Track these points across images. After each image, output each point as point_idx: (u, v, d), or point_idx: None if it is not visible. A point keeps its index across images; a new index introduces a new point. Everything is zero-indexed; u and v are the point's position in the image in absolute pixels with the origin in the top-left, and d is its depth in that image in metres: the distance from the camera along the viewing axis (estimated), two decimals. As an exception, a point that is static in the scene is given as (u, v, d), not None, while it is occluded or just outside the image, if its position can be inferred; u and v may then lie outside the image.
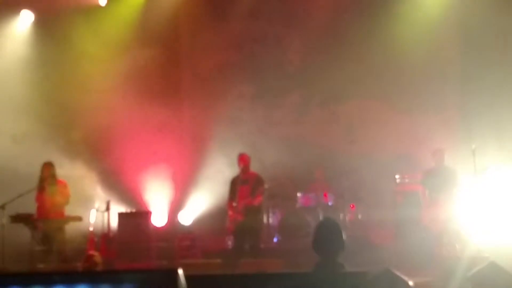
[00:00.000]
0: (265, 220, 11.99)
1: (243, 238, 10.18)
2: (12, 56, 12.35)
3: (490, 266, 4.24)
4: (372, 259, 10.42)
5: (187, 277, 3.40)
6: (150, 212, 12.50)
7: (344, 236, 4.48)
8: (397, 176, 11.60)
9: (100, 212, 11.52)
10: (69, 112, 12.40)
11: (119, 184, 12.62)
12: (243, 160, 10.24)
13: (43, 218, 10.18)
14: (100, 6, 12.79)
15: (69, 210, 10.47)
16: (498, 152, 11.23)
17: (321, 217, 11.23)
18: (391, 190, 11.52)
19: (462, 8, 12.52)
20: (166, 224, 12.85)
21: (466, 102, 12.58)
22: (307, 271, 4.31)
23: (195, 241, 11.92)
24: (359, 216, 12.11)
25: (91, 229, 10.96)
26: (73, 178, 10.73)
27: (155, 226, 12.47)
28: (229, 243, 10.65)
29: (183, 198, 12.98)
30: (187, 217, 12.97)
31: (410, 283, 4.14)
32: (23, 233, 10.16)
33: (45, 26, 12.57)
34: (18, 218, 10.17)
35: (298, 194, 12.03)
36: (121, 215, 12.12)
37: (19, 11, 12.48)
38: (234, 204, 10.14)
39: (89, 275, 3.59)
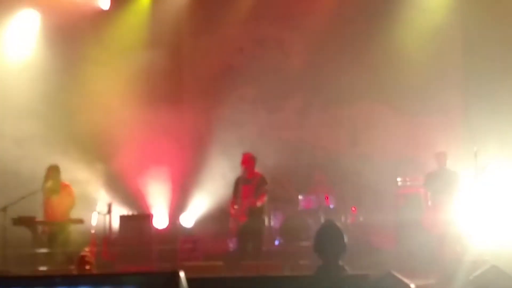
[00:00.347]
0: (266, 222, 12.00)
1: (246, 239, 10.18)
2: (16, 58, 12.36)
3: (491, 269, 4.24)
4: (374, 262, 10.42)
5: (188, 279, 3.41)
6: (152, 215, 12.50)
7: (345, 239, 4.48)
8: (399, 179, 11.60)
9: (101, 215, 11.53)
10: (72, 115, 12.41)
11: (121, 186, 12.61)
12: (245, 160, 10.24)
13: (47, 221, 10.18)
14: (104, 10, 12.81)
15: (71, 213, 10.46)
16: (500, 154, 11.21)
17: (322, 220, 11.22)
18: (393, 193, 11.52)
19: (465, 11, 12.53)
20: (167, 226, 12.85)
21: (468, 105, 12.58)
22: (309, 274, 4.32)
23: (197, 244, 11.91)
24: (361, 219, 12.10)
25: (92, 231, 10.96)
26: (75, 181, 10.71)
27: (156, 229, 12.46)
28: (231, 245, 10.65)
29: (184, 201, 12.97)
30: (188, 219, 12.96)
31: (412, 286, 4.14)
32: (25, 235, 10.16)
33: (49, 29, 12.58)
34: (20, 221, 10.17)
35: (300, 197, 12.02)
36: (122, 218, 12.12)
37: (22, 10, 12.48)
38: (236, 206, 10.14)
39: (91, 277, 3.59)
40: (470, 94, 12.55)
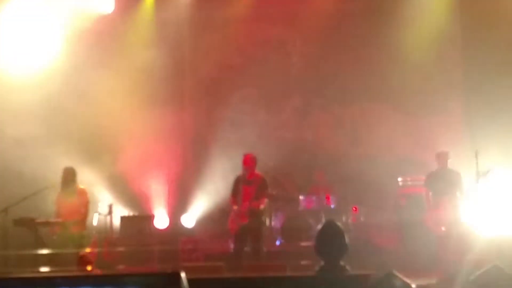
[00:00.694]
0: (267, 223, 11.99)
1: (244, 240, 10.19)
2: (19, 59, 12.35)
3: (493, 269, 4.23)
4: (375, 262, 10.41)
5: (189, 280, 3.40)
6: (153, 216, 12.51)
7: (347, 239, 4.47)
8: (399, 179, 11.59)
9: (102, 216, 11.53)
10: (73, 116, 12.40)
11: (122, 187, 12.62)
12: (247, 160, 10.23)
13: (55, 223, 10.13)
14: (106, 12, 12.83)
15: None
16: (501, 154, 11.21)
17: (323, 220, 11.21)
18: (394, 193, 11.51)
19: (465, 12, 12.53)
20: (168, 227, 12.85)
21: (469, 104, 12.58)
22: (310, 274, 4.31)
23: (198, 244, 11.90)
24: (362, 219, 12.10)
25: (93, 232, 10.95)
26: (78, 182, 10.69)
27: (157, 229, 12.47)
28: (232, 245, 10.64)
29: (185, 201, 12.97)
30: (189, 220, 12.96)
31: (413, 286, 4.13)
32: (27, 236, 10.15)
33: (53, 32, 12.58)
34: (21, 222, 10.16)
35: (301, 197, 12.02)
36: (123, 219, 12.13)
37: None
38: (235, 206, 10.13)
39: (91, 278, 3.58)
40: (471, 93, 12.54)
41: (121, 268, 10.81)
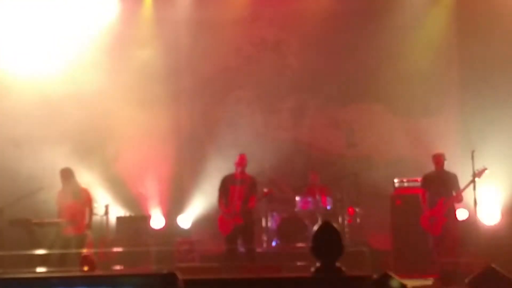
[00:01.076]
0: (263, 224, 11.99)
1: (236, 241, 10.22)
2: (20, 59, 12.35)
3: (488, 271, 4.24)
4: (371, 263, 10.42)
5: (185, 281, 3.41)
6: (149, 216, 12.51)
7: (343, 240, 4.47)
8: (396, 180, 11.60)
9: (99, 216, 11.52)
10: (69, 116, 12.37)
11: (118, 188, 12.60)
12: (241, 160, 10.26)
13: (51, 223, 10.12)
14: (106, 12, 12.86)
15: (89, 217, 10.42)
16: (497, 155, 11.23)
17: (319, 221, 11.22)
18: (390, 194, 11.52)
19: (462, 13, 12.55)
20: (164, 228, 12.83)
21: (465, 105, 12.59)
22: (306, 276, 4.31)
23: (194, 245, 11.90)
24: (358, 220, 12.10)
25: (89, 233, 10.94)
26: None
27: (153, 230, 12.46)
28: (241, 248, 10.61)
29: (181, 202, 12.96)
30: (186, 220, 12.95)
31: (409, 287, 4.14)
32: (23, 237, 10.14)
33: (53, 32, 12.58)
34: (17, 222, 10.15)
35: (297, 198, 12.02)
36: (119, 219, 12.12)
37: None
38: (223, 208, 10.16)
39: (88, 278, 3.58)
40: (467, 94, 12.55)
41: (117, 268, 10.81)
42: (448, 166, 10.36)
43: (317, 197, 11.96)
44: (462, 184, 10.10)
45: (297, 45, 13.50)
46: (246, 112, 13.44)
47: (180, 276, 3.63)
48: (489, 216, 11.57)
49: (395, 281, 4.04)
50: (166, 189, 12.97)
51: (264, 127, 13.43)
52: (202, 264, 11.35)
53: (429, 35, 12.77)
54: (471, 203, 10.13)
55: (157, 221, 12.76)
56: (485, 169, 9.96)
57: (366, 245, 11.32)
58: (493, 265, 4.27)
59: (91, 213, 10.33)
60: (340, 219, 11.90)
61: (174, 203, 12.93)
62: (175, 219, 12.91)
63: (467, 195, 10.14)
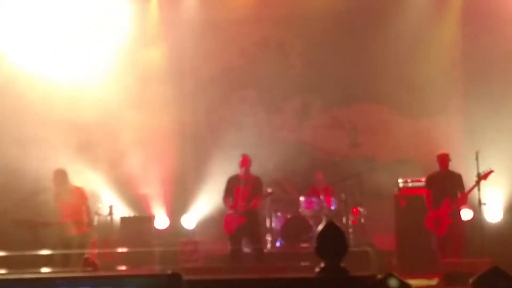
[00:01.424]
0: (267, 224, 12.00)
1: (241, 241, 10.24)
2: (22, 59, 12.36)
3: (493, 271, 4.22)
4: (376, 263, 10.41)
5: (189, 281, 3.40)
6: (153, 217, 12.52)
7: (347, 241, 4.47)
8: (400, 180, 11.58)
9: (103, 217, 11.53)
10: (72, 116, 12.39)
11: (122, 188, 12.62)
12: (244, 161, 10.28)
13: (54, 223, 10.12)
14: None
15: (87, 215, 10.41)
16: (502, 155, 11.21)
17: (324, 222, 11.21)
18: (394, 194, 11.51)
19: (466, 13, 12.54)
20: (168, 228, 12.84)
21: (469, 105, 12.56)
22: (311, 276, 4.31)
23: (198, 246, 11.91)
24: (362, 220, 12.09)
25: (94, 233, 10.95)
26: (77, 183, 10.67)
27: (157, 230, 12.47)
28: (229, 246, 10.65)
29: (185, 202, 12.97)
30: (190, 221, 12.96)
31: (413, 287, 4.13)
32: (27, 237, 10.15)
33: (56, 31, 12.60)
34: (21, 223, 10.16)
35: (301, 199, 12.02)
36: (123, 220, 12.13)
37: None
38: (228, 207, 10.17)
39: (92, 278, 3.58)
40: (471, 94, 12.52)
41: (121, 269, 10.81)
42: (453, 166, 10.34)
43: (322, 197, 11.96)
44: (466, 185, 10.08)
45: (301, 46, 13.49)
46: (250, 113, 13.44)
47: (184, 276, 3.64)
48: (492, 215, 11.56)
49: (400, 281, 4.03)
50: (170, 189, 12.99)
51: (268, 128, 13.43)
52: (206, 265, 11.36)
53: (433, 35, 12.75)
54: (476, 203, 10.12)
55: (161, 221, 12.78)
56: (491, 171, 9.91)
57: (371, 245, 11.32)
58: (497, 265, 4.26)
59: (89, 211, 10.32)
60: (344, 220, 11.89)
61: (178, 204, 12.94)
62: (179, 220, 12.93)
63: (472, 195, 10.13)
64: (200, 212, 12.87)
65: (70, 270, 8.87)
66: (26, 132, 11.77)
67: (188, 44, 13.40)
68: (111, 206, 11.75)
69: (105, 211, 11.65)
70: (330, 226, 4.46)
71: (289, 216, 11.94)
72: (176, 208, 12.95)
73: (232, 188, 10.27)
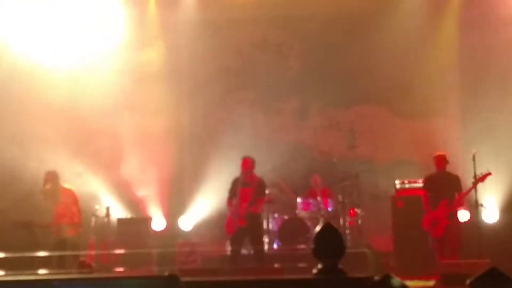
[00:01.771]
0: (265, 226, 12.00)
1: (241, 242, 10.23)
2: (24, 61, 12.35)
3: (491, 272, 4.22)
4: (373, 265, 10.42)
5: (187, 283, 3.40)
6: (150, 218, 12.51)
7: (344, 242, 4.47)
8: (397, 181, 11.59)
9: (100, 218, 11.52)
10: (70, 118, 12.39)
11: (119, 189, 12.61)
12: (245, 163, 10.28)
13: (51, 225, 10.11)
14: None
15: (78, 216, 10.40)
16: (498, 157, 11.23)
17: (321, 223, 11.21)
18: (391, 196, 11.52)
19: (463, 14, 12.56)
20: (166, 230, 12.83)
21: (467, 107, 12.58)
22: (308, 277, 4.31)
23: (195, 247, 11.91)
24: (359, 222, 12.10)
25: (91, 235, 10.94)
26: (75, 185, 10.67)
27: (155, 232, 12.46)
28: (228, 247, 10.65)
29: (183, 204, 12.96)
30: (187, 222, 12.95)
31: (411, 288, 4.13)
32: (24, 238, 10.13)
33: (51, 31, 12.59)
34: (19, 224, 10.15)
35: (298, 200, 12.02)
36: (121, 221, 12.12)
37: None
38: (232, 208, 10.16)
39: (90, 280, 3.58)
40: (468, 96, 12.55)
41: (118, 270, 10.81)
42: (450, 168, 10.35)
43: (319, 199, 11.98)
44: (464, 186, 10.09)
45: (299, 47, 13.51)
46: (247, 114, 13.44)
47: (182, 278, 3.63)
48: (489, 216, 11.57)
49: (397, 282, 4.03)
50: (167, 190, 12.98)
51: (266, 129, 13.43)
52: (204, 266, 11.36)
53: (431, 38, 12.77)
54: (473, 204, 10.13)
55: (158, 223, 12.76)
56: (489, 173, 9.90)
57: (368, 246, 11.33)
58: (495, 266, 4.26)
59: (79, 211, 10.30)
60: (341, 221, 11.91)
61: (175, 205, 12.94)
62: (176, 221, 12.92)
63: (469, 196, 10.14)
64: (197, 214, 12.86)
65: (66, 272, 8.86)
66: (24, 134, 11.77)
67: (185, 45, 13.40)
68: (108, 207, 11.74)
69: (102, 212, 11.64)
70: (327, 227, 4.46)
71: (286, 217, 11.95)
72: (173, 210, 12.94)
73: (236, 190, 10.26)
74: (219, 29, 13.27)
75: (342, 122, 13.34)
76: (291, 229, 11.73)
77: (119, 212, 12.34)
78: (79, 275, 6.77)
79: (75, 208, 10.21)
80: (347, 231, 11.86)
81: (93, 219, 11.34)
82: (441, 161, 10.26)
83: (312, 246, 4.41)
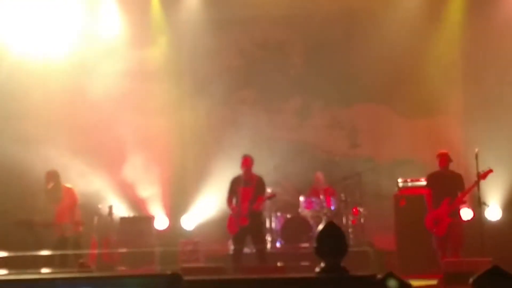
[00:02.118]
0: (267, 224, 12.00)
1: (243, 241, 10.23)
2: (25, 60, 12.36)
3: (493, 270, 4.22)
4: (376, 263, 10.42)
5: (189, 281, 3.40)
6: (153, 217, 12.51)
7: (347, 241, 4.46)
8: (400, 180, 11.58)
9: (103, 217, 11.53)
10: (74, 118, 12.40)
11: (121, 188, 12.62)
12: (246, 162, 10.27)
13: (53, 224, 10.12)
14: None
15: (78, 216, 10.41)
16: (501, 155, 11.22)
17: (324, 222, 11.21)
18: (394, 194, 11.51)
19: (466, 12, 12.55)
20: (168, 228, 12.84)
21: (469, 105, 12.57)
22: (311, 276, 4.31)
23: (198, 246, 11.91)
24: (362, 220, 12.10)
25: (93, 234, 10.95)
26: (77, 184, 10.68)
27: (157, 231, 12.47)
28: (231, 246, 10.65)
29: (185, 202, 12.97)
30: (190, 221, 12.96)
31: (413, 287, 4.13)
32: (26, 237, 10.14)
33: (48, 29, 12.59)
34: (22, 223, 10.16)
35: (301, 199, 12.02)
36: (123, 220, 12.13)
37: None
38: (232, 208, 10.16)
39: (92, 279, 3.58)
40: (470, 94, 12.54)
41: (121, 269, 10.82)
42: (452, 166, 10.32)
43: (321, 197, 11.97)
44: (467, 184, 10.07)
45: (301, 46, 13.51)
46: (249, 113, 13.44)
47: (184, 276, 3.63)
48: (492, 214, 11.57)
49: (400, 281, 4.03)
50: (170, 189, 12.99)
51: (268, 128, 13.43)
52: (207, 265, 11.35)
53: (433, 36, 12.76)
54: (476, 202, 10.11)
55: (160, 222, 12.77)
56: (490, 170, 9.87)
57: (370, 245, 11.33)
58: (498, 265, 4.25)
59: (79, 211, 10.31)
60: (344, 220, 11.91)
61: (178, 204, 12.94)
62: (179, 220, 12.92)
63: (472, 194, 10.12)
64: (200, 213, 12.87)
65: (68, 271, 8.86)
66: (27, 134, 11.78)
67: (188, 43, 13.40)
68: (111, 206, 11.75)
69: (104, 211, 11.65)
70: (330, 226, 4.46)
71: (289, 216, 11.95)
72: (176, 209, 12.95)
73: (236, 189, 10.24)
74: (222, 28, 13.27)
75: (344, 121, 13.34)
76: (294, 228, 11.74)
77: (121, 211, 12.34)
78: (81, 274, 6.77)
79: (75, 207, 10.23)
80: (350, 230, 11.86)
81: (96, 218, 11.36)
82: (444, 159, 10.22)
83: (314, 244, 4.40)
